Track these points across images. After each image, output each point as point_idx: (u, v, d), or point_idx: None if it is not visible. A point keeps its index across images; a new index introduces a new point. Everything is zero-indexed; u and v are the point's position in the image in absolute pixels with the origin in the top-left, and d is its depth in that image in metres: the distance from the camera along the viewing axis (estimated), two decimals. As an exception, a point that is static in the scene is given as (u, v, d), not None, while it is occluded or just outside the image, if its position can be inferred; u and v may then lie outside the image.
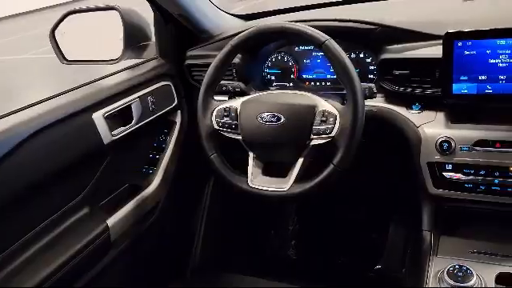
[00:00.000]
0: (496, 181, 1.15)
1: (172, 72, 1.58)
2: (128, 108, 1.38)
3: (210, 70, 1.26)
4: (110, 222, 1.34)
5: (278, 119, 1.18)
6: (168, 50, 1.58)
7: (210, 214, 1.84)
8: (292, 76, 1.54)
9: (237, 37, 1.23)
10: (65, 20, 1.51)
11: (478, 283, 1.04)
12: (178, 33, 1.58)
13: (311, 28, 1.16)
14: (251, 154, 1.25)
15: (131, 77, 1.44)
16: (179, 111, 1.61)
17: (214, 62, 1.25)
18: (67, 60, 1.54)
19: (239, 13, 1.72)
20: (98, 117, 1.28)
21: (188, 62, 1.59)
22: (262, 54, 1.56)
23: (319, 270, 1.98)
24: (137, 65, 1.52)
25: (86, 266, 1.28)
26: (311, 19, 1.36)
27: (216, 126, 1.26)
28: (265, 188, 1.20)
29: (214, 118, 1.26)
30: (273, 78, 1.57)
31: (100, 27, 1.62)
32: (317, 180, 1.16)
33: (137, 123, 1.41)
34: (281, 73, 1.56)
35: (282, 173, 1.21)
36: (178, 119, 1.61)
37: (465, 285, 1.03)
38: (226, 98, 1.39)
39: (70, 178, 1.24)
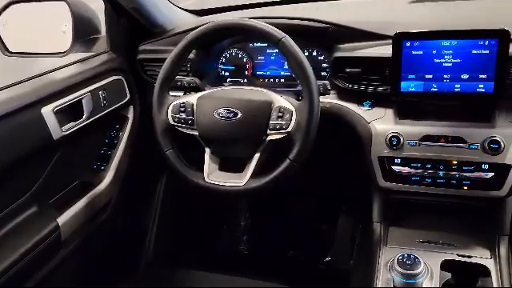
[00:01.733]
0: (440, 174, 1.22)
1: (124, 66, 1.54)
2: (79, 103, 1.34)
3: (166, 64, 1.24)
4: (61, 220, 1.29)
5: (235, 115, 1.19)
6: (119, 44, 1.55)
7: (163, 209, 1.82)
8: (246, 72, 1.56)
9: (194, 32, 1.22)
10: (6, 10, 1.44)
11: (425, 270, 1.10)
12: (130, 26, 1.54)
13: (268, 25, 1.17)
14: (207, 150, 1.25)
15: (81, 70, 1.40)
16: (131, 106, 1.58)
17: (170, 57, 1.24)
18: (10, 52, 1.47)
19: (189, 7, 1.71)
20: (48, 111, 1.23)
21: (140, 56, 1.57)
22: (216, 50, 1.56)
23: (270, 264, 2.01)
24: (87, 58, 1.47)
25: (35, 266, 1.23)
26: (266, 16, 1.37)
27: (172, 122, 1.24)
28: (221, 183, 1.20)
29: (169, 113, 1.25)
30: (227, 74, 1.58)
31: (46, 19, 1.57)
32: (273, 175, 1.17)
33: (88, 118, 1.37)
34: (235, 69, 1.56)
35: (239, 168, 1.22)
36: (131, 115, 1.57)
37: (413, 272, 1.08)
38: (181, 94, 1.37)
39: (18, 175, 1.19)
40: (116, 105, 1.49)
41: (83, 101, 1.35)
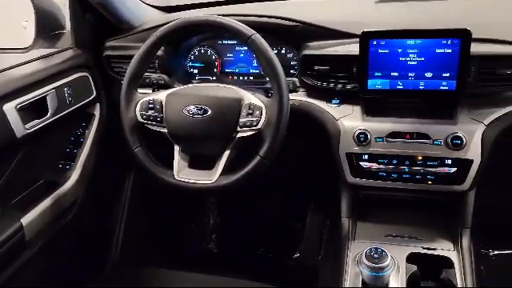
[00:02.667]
0: (406, 169, 1.26)
1: (90, 63, 1.51)
2: (43, 100, 1.30)
3: (134, 61, 1.23)
4: (25, 220, 1.25)
5: (205, 112, 1.19)
6: (85, 40, 1.51)
7: (131, 208, 1.80)
8: (215, 70, 1.55)
9: (162, 28, 1.21)
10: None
11: (391, 263, 1.13)
12: (96, 22, 1.52)
13: (238, 22, 1.17)
14: (177, 147, 1.24)
15: (45, 67, 1.36)
16: (98, 104, 1.55)
17: (138, 54, 1.23)
18: (-33, 46, 1.42)
19: (157, 4, 1.69)
20: (10, 108, 1.19)
21: (107, 52, 1.54)
22: (185, 47, 1.55)
23: (239, 262, 2.01)
24: (51, 54, 1.43)
25: None
26: (235, 14, 1.37)
27: (140, 119, 1.23)
28: (191, 181, 1.20)
29: (137, 110, 1.23)
30: (195, 71, 1.57)
31: (5, 13, 1.52)
32: (243, 171, 1.18)
33: (52, 116, 1.33)
34: (204, 66, 1.56)
35: (209, 165, 1.22)
36: (97, 112, 1.54)
37: (380, 265, 1.11)
38: (150, 91, 1.36)
39: None
40: (82, 102, 1.46)
41: (47, 98, 1.31)
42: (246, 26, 1.18)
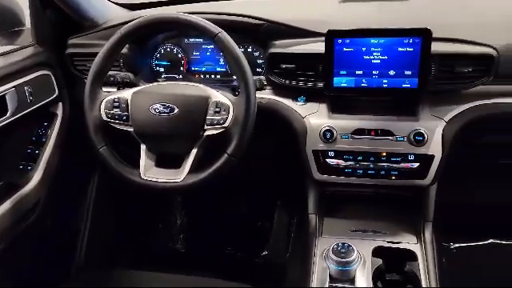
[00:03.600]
0: (371, 165, 1.28)
1: (51, 61, 1.47)
2: (2, 99, 1.26)
3: (98, 59, 1.21)
4: None
5: (172, 110, 1.18)
6: (46, 37, 1.47)
7: (96, 209, 1.77)
8: (181, 68, 1.54)
9: (127, 25, 1.19)
10: None
11: (358, 257, 1.15)
12: (58, 19, 1.48)
13: (204, 20, 1.17)
14: (143, 146, 1.23)
15: (4, 65, 1.32)
16: (60, 103, 1.51)
17: (102, 51, 1.20)
18: None
19: (121, 1, 1.66)
20: None
21: (70, 50, 1.50)
22: (150, 45, 1.53)
23: (207, 261, 2.01)
24: (10, 52, 1.39)
25: None
26: (201, 12, 1.37)
27: (105, 118, 1.21)
28: (158, 180, 1.19)
29: (102, 109, 1.21)
30: (162, 69, 1.55)
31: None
32: (211, 169, 1.18)
33: (12, 115, 1.29)
34: (170, 65, 1.54)
35: (176, 164, 1.21)
36: (60, 111, 1.51)
37: (347, 259, 1.13)
38: (114, 90, 1.34)
39: None
40: (43, 101, 1.42)
41: (7, 97, 1.27)
42: (213, 24, 1.17)
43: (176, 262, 2.03)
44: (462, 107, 1.28)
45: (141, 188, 1.20)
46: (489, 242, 1.92)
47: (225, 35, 1.16)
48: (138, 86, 1.29)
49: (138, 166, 1.21)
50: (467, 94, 1.28)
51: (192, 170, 1.18)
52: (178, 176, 1.18)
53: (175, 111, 1.18)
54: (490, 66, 1.23)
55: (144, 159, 1.22)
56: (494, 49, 1.23)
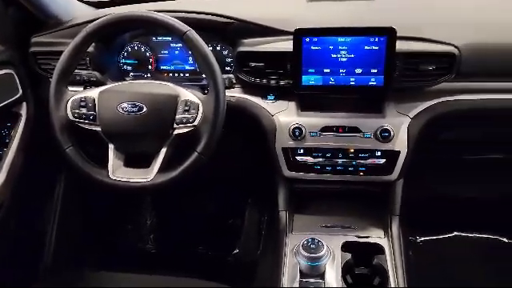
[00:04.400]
0: (339, 161, 1.31)
1: (14, 60, 1.43)
2: None
3: (63, 57, 1.18)
4: None
5: (140, 109, 1.17)
6: (8, 36, 1.43)
7: (63, 210, 1.73)
8: (150, 67, 1.53)
9: (93, 23, 1.17)
10: None
11: (327, 252, 1.17)
12: (21, 17, 1.44)
13: (172, 18, 1.17)
14: (111, 146, 1.21)
15: None
16: (24, 103, 1.47)
17: (68, 50, 1.18)
18: None
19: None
20: None
21: (33, 49, 1.47)
22: (117, 43, 1.51)
23: (178, 261, 2.00)
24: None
25: None
26: (169, 10, 1.36)
27: (71, 118, 1.19)
28: (127, 179, 1.18)
29: (68, 108, 1.19)
30: (129, 68, 1.53)
31: None
32: (181, 168, 1.17)
33: None
34: (138, 63, 1.53)
35: (145, 163, 1.20)
36: (24, 111, 1.47)
37: (317, 255, 1.15)
38: (81, 89, 1.31)
39: None
40: (6, 101, 1.38)
41: None
42: (181, 22, 1.17)
43: (146, 262, 2.01)
44: (426, 104, 1.31)
45: (109, 188, 1.18)
46: (453, 234, 1.99)
47: (193, 33, 1.16)
48: (106, 84, 1.27)
49: (106, 166, 1.19)
50: (431, 91, 1.32)
51: (161, 170, 1.18)
52: (147, 175, 1.17)
53: (144, 110, 1.17)
54: (453, 64, 1.27)
55: (112, 159, 1.20)
56: (456, 47, 1.27)
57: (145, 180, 1.17)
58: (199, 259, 2.01)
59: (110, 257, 1.96)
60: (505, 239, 1.95)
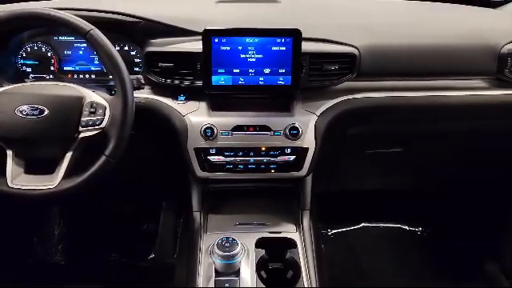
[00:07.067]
0: (251, 160, 1.33)
1: None
2: None
3: None
4: None
5: (41, 112, 1.11)
6: None
7: None
8: (52, 68, 1.44)
9: None
10: None
11: (241, 250, 1.19)
12: None
13: (74, 16, 1.12)
14: (10, 152, 1.14)
15: None
16: None
17: None
18: None
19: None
20: None
21: None
22: (15, 42, 1.41)
23: (92, 271, 1.91)
24: None
25: None
26: (72, 8, 1.30)
27: None
28: (29, 187, 1.11)
29: None
30: (29, 69, 1.44)
31: None
32: (88, 173, 1.13)
33: None
34: (38, 64, 1.44)
35: (49, 169, 1.14)
36: None
37: (231, 253, 1.16)
38: None
39: None
40: None
41: None
42: (84, 21, 1.13)
43: (56, 275, 1.90)
44: (331, 102, 1.38)
45: (9, 197, 1.10)
46: (361, 225, 2.11)
47: (97, 32, 1.12)
48: (2, 86, 1.19)
49: (4, 174, 1.12)
50: (335, 89, 1.39)
51: (67, 175, 1.13)
52: (52, 182, 1.12)
53: (45, 113, 1.11)
54: (353, 64, 1.35)
55: (11, 166, 1.13)
56: (356, 48, 1.35)
57: (48, 187, 1.11)
58: (113, 267, 1.94)
59: (17, 273, 1.83)
60: (406, 227, 2.11)
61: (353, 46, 1.35)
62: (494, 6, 1.68)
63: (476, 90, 1.46)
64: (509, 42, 1.42)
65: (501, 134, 1.66)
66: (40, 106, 1.11)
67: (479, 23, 1.53)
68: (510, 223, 1.86)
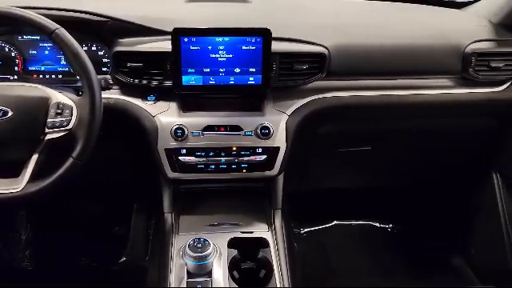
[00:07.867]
0: (223, 160, 1.32)
1: None
2: None
3: None
4: None
5: (5, 113, 1.09)
6: None
7: None
8: (16, 68, 1.40)
9: None
10: None
11: (214, 250, 1.18)
12: None
13: (39, 15, 1.09)
14: None
15: None
16: None
17: None
18: None
19: None
20: None
21: None
22: None
23: (61, 276, 1.87)
24: None
25: None
26: (36, 7, 1.26)
27: None
28: None
29: None
30: None
31: None
32: (55, 176, 1.11)
33: None
34: (2, 64, 1.40)
35: (14, 172, 1.11)
36: None
37: (204, 254, 1.15)
38: None
39: None
40: None
41: None
42: (49, 20, 1.10)
43: (24, 281, 1.85)
44: (301, 101, 1.39)
45: None
46: (333, 223, 2.13)
47: (63, 32, 1.10)
48: None
49: None
50: (305, 89, 1.40)
51: (33, 178, 1.10)
52: (16, 185, 1.09)
53: (9, 114, 1.08)
54: (323, 63, 1.36)
55: None
56: (326, 48, 1.36)
57: (14, 190, 1.08)
58: (83, 271, 1.90)
59: None
60: (376, 224, 2.15)
61: (322, 46, 1.36)
62: (459, 6, 1.73)
63: (442, 89, 1.49)
64: (472, 42, 1.46)
65: (465, 132, 1.70)
66: (3, 108, 1.08)
67: (445, 24, 1.57)
68: (473, 220, 1.91)
